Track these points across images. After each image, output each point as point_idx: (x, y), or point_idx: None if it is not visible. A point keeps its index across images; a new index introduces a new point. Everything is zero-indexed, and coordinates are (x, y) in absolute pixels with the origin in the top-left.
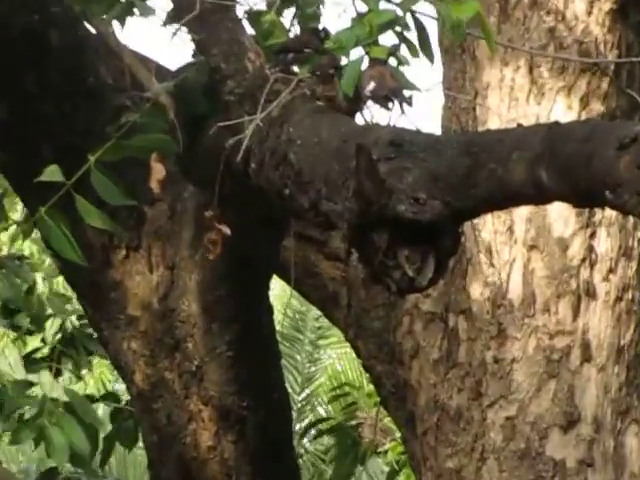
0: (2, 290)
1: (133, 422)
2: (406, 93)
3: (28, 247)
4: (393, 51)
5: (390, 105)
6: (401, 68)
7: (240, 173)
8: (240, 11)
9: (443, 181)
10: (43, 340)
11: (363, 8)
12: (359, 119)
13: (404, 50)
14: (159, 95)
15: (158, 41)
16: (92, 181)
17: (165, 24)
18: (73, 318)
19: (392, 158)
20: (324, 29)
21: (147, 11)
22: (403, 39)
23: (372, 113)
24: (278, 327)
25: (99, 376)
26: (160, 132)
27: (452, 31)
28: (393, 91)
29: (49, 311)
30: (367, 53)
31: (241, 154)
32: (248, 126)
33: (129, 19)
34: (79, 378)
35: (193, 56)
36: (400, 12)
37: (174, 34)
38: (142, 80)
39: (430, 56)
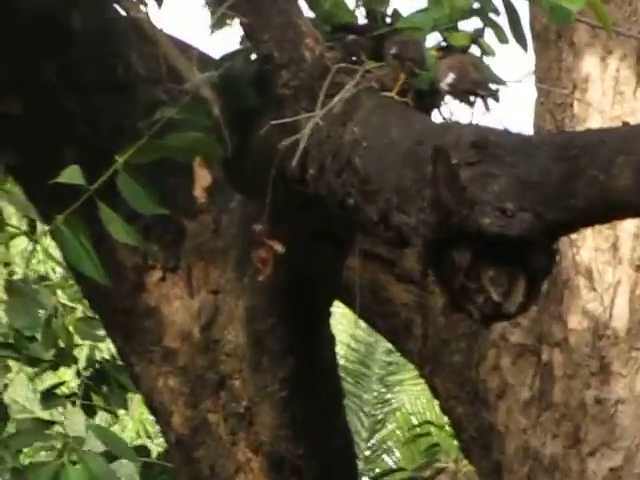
0: (15, 318)
1: (168, 479)
2: (491, 86)
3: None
4: (476, 37)
5: (472, 100)
6: (485, 58)
7: (296, 180)
8: None
9: (535, 190)
10: (76, 373)
11: None
12: (436, 116)
13: (489, 35)
14: (200, 88)
15: (200, 25)
16: (119, 186)
17: (208, 4)
18: (103, 347)
19: (475, 163)
20: (395, 11)
21: None
22: (489, 22)
23: (451, 110)
24: (341, 361)
25: (139, 417)
26: (201, 131)
27: (552, 13)
28: (476, 84)
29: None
30: (445, 39)
31: (297, 157)
32: (306, 125)
33: None
34: (115, 417)
35: (241, 42)
36: None
37: (219, 17)
38: (180, 70)
39: (522, 42)
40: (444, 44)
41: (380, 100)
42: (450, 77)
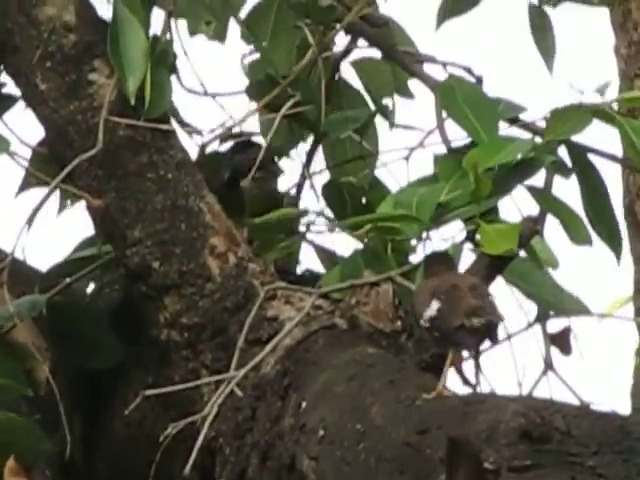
0: None
1: None
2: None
3: None
4: (534, 232)
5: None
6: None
7: None
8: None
9: None
10: None
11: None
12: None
13: None
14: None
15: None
16: None
17: None
18: None
19: (528, 468)
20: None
21: None
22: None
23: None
24: None
25: None
26: (17, 411)
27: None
28: (473, 313)
29: None
30: (470, 237)
31: (193, 460)
32: (209, 397)
33: None
34: None
35: None
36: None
37: None
38: None
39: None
40: (431, 251)
41: (350, 353)
42: (433, 308)
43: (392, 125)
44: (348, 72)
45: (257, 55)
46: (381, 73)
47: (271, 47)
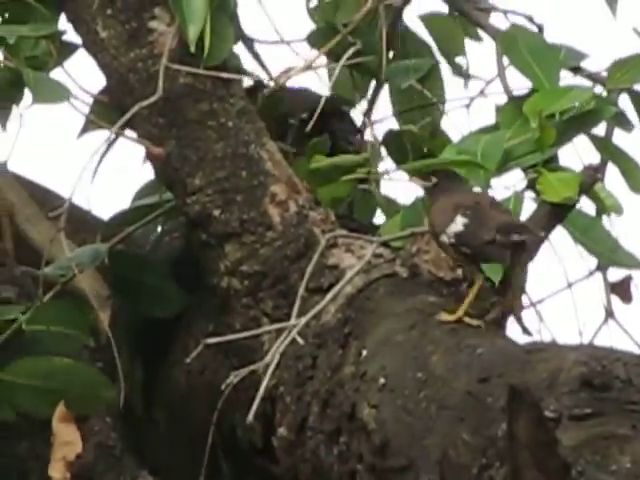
0: None
1: None
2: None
3: None
4: (596, 179)
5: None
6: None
7: (254, 449)
8: None
9: None
10: None
11: None
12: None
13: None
14: (76, 274)
15: None
16: None
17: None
18: None
19: (589, 416)
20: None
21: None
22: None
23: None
24: None
25: None
26: (76, 358)
27: None
28: (509, 230)
29: None
30: (532, 184)
31: (256, 406)
32: (271, 346)
33: None
34: None
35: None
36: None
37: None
38: (36, 243)
39: None
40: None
41: (411, 302)
42: (459, 223)
43: (467, 79)
44: (415, 23)
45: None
46: (451, 30)
47: None
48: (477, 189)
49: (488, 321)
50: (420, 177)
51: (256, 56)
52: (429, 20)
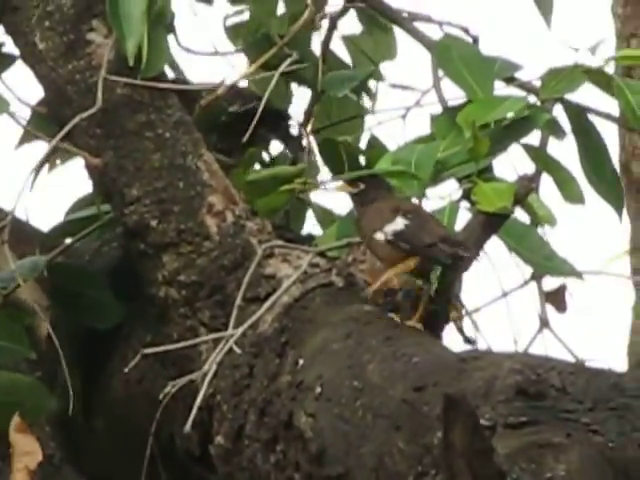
0: None
1: None
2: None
3: None
4: (529, 190)
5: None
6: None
7: (192, 457)
8: None
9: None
10: None
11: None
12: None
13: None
14: (17, 285)
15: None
16: None
17: None
18: None
19: (524, 424)
20: (371, 138)
21: None
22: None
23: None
24: None
25: None
26: (18, 369)
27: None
28: (445, 242)
29: None
30: (466, 195)
31: (194, 415)
32: (209, 354)
33: None
34: None
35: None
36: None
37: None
38: None
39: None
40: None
41: (347, 311)
42: (399, 223)
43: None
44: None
45: (240, 17)
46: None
47: (256, 6)
48: (413, 199)
49: (409, 324)
50: (348, 184)
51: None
52: (351, 40)
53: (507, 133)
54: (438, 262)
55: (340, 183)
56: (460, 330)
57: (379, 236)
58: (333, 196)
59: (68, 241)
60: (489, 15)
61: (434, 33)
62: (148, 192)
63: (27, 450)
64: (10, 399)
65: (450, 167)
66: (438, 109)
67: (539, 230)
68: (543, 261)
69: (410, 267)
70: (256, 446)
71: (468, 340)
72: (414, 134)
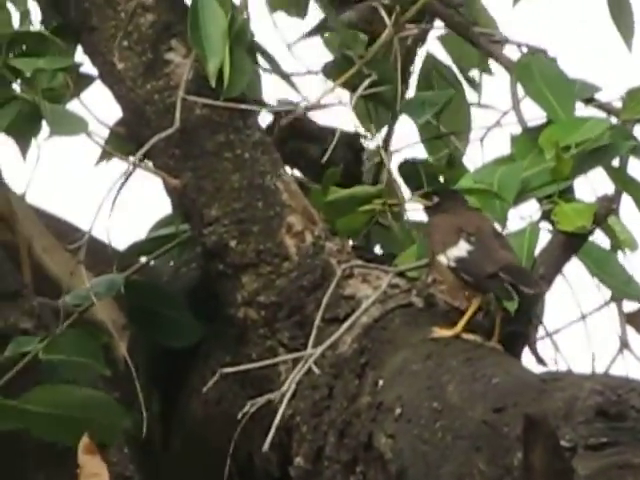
0: None
1: None
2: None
3: None
4: (610, 211)
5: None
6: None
7: (269, 478)
8: None
9: None
10: None
11: None
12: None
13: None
14: (93, 303)
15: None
16: None
17: None
18: None
19: (604, 445)
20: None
21: None
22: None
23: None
24: None
25: None
26: (93, 385)
27: None
28: (509, 271)
29: None
30: (546, 215)
31: (272, 435)
32: (288, 376)
33: None
34: None
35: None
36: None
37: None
38: (55, 275)
39: None
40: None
41: (427, 332)
42: (462, 249)
43: (479, 95)
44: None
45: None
46: (467, 50)
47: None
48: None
49: (488, 345)
50: (422, 197)
51: (286, 78)
52: (447, 41)
53: (589, 157)
54: (497, 295)
55: (415, 197)
56: (534, 351)
57: (443, 260)
58: (415, 215)
59: (146, 260)
60: (566, 37)
61: (512, 54)
62: (227, 212)
63: (94, 472)
64: (84, 415)
65: (532, 188)
66: (517, 130)
67: (619, 253)
68: (622, 286)
69: (476, 307)
70: (336, 467)
71: (541, 361)
72: (492, 155)
